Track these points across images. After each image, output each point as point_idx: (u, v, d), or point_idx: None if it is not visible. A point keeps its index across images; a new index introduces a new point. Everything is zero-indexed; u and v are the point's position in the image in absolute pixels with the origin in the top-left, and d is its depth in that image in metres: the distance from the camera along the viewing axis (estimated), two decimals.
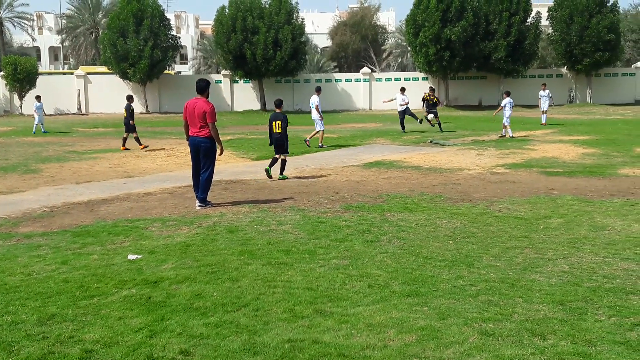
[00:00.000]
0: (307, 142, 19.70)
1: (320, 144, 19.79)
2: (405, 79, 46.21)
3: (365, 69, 47.41)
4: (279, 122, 13.25)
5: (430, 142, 21.03)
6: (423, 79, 44.85)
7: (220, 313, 5.57)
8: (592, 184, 12.28)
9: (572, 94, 44.38)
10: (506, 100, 22.62)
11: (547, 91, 29.08)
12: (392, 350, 4.80)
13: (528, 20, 42.23)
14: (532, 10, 42.51)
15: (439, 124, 25.32)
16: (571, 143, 19.72)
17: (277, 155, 13.61)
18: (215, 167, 10.69)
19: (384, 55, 63.64)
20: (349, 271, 6.79)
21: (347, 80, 46.33)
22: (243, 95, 45.74)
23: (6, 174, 14.92)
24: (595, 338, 4.95)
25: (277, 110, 13.48)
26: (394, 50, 63.45)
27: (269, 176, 13.28)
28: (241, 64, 42.46)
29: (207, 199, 10.58)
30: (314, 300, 5.87)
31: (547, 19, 43.36)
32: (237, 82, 45.80)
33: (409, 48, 46.99)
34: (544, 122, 28.00)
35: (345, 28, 61.97)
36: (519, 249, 7.62)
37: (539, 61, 51.08)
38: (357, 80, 45.86)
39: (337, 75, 48.11)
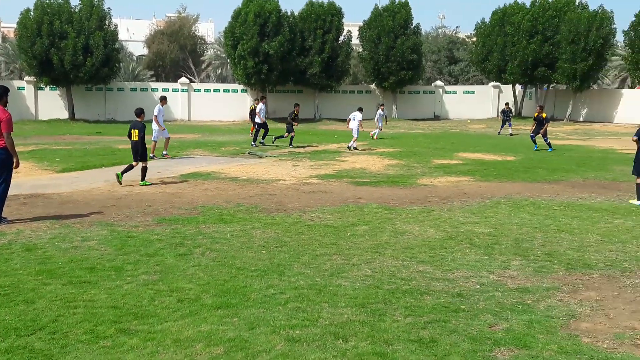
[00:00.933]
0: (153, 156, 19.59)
1: (152, 154, 19.36)
2: (225, 91, 46.24)
3: (183, 79, 46.61)
4: (137, 130, 13.89)
5: (248, 153, 21.23)
6: (242, 91, 45.18)
7: (12, 338, 5.12)
8: (394, 193, 13.19)
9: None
10: (356, 114, 24.16)
11: (384, 111, 30.29)
12: None
13: (340, 39, 44.44)
14: (344, 29, 44.82)
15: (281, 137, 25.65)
16: (378, 155, 21.05)
17: (134, 163, 14.07)
18: (11, 180, 9.81)
19: (203, 66, 63.09)
20: (158, 286, 6.60)
21: (164, 89, 45.14)
22: (49, 103, 42.54)
23: None
24: (392, 337, 5.31)
25: (137, 119, 14.14)
26: (213, 62, 63.15)
27: (119, 182, 13.62)
28: (47, 70, 39.49)
29: (2, 215, 9.67)
30: (119, 319, 5.62)
31: (357, 38, 45.98)
32: (42, 89, 42.51)
33: (228, 60, 47.08)
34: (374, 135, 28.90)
35: (163, 37, 60.45)
36: (327, 256, 7.95)
37: (351, 77, 53.97)
38: (174, 90, 44.90)
39: (154, 85, 46.71)
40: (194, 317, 5.72)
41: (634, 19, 37.33)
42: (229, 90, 46.18)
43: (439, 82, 48.82)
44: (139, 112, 14.27)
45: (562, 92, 45.85)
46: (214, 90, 46.22)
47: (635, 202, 11.74)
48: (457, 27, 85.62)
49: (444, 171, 16.64)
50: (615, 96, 43.34)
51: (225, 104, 44.86)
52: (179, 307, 6.00)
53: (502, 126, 32.60)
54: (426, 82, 53.71)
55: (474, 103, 46.76)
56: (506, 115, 32.13)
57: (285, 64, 41.75)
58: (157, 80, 54.61)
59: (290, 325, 5.54)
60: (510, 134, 30.98)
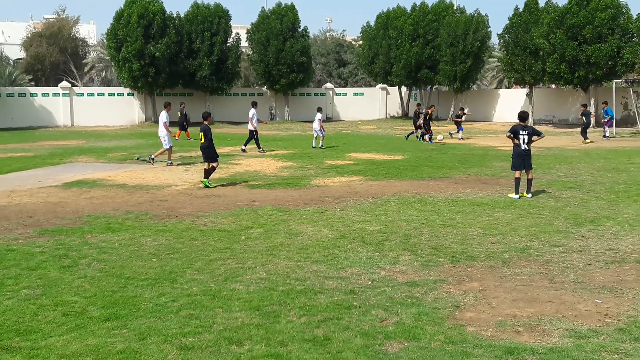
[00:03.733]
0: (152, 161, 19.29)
1: (168, 161, 19.25)
2: (110, 95, 44.57)
3: (65, 83, 44.42)
4: (202, 133, 14.64)
5: (137, 159, 20.57)
6: (129, 94, 43.71)
7: None
8: (289, 194, 13.27)
9: (272, 112, 47.54)
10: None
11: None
12: None
13: (229, 41, 44.10)
14: (232, 32, 44.51)
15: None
16: (271, 157, 21.09)
17: (206, 165, 14.74)
18: None
19: (86, 69, 60.39)
20: (41, 301, 6.27)
21: (44, 94, 42.86)
22: None
23: None
24: (286, 338, 5.34)
25: (205, 122, 14.82)
26: (96, 65, 60.59)
27: (208, 187, 14.27)
28: None
29: None
30: None
31: (246, 41, 45.83)
32: None
33: (112, 63, 45.38)
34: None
35: (41, 39, 57.26)
36: (221, 261, 7.87)
37: (242, 80, 53.71)
38: (55, 94, 42.70)
39: (33, 89, 44.18)
40: (81, 331, 5.48)
41: (508, 22, 39.74)
42: (114, 94, 44.55)
43: (329, 85, 49.65)
44: (206, 116, 15.04)
45: (445, 93, 48.00)
46: (98, 94, 44.45)
47: (513, 195, 12.51)
48: (344, 30, 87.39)
49: (336, 171, 16.94)
50: (493, 96, 45.96)
51: (111, 108, 43.22)
52: (64, 321, 5.72)
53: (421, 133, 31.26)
54: (317, 85, 54.42)
55: (364, 105, 47.97)
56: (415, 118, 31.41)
57: (173, 67, 40.88)
58: (36, 85, 51.66)
59: (182, 333, 5.44)
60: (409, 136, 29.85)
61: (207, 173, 14.61)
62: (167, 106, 20.19)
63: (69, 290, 6.61)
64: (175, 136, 29.88)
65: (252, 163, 19.22)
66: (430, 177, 15.62)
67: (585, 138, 26.25)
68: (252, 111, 23.36)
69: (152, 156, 19.46)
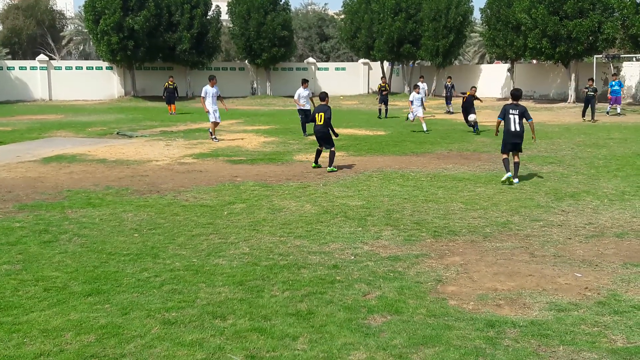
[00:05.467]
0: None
1: (213, 136, 18.56)
2: (88, 68, 43.85)
3: (42, 57, 43.62)
4: (322, 113, 12.97)
5: (117, 133, 20.35)
6: (107, 68, 43.03)
7: None
8: (271, 170, 13.23)
9: (254, 86, 47.17)
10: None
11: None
12: (70, 354, 4.54)
13: (209, 14, 43.48)
14: (212, 4, 43.86)
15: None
16: (254, 132, 20.97)
17: (320, 148, 13.34)
18: None
19: (64, 42, 59.34)
20: (22, 276, 6.22)
21: (21, 68, 42.04)
22: None
23: None
24: (270, 313, 5.35)
25: (322, 103, 13.25)
26: (74, 38, 59.53)
27: (316, 167, 13.28)
28: None
29: None
30: None
31: (227, 14, 45.22)
32: None
33: (90, 36, 44.59)
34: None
35: (18, 12, 56.09)
36: (204, 236, 7.84)
37: (223, 54, 53.14)
38: (32, 68, 41.92)
39: (10, 63, 43.31)
40: (62, 306, 5.45)
41: None
42: (92, 67, 43.82)
43: (311, 59, 49.30)
44: (324, 96, 13.39)
45: (427, 69, 47.93)
46: (77, 68, 43.69)
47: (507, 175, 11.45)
48: (325, 4, 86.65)
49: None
50: (475, 71, 45.99)
51: (90, 82, 42.54)
52: (46, 296, 5.69)
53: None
54: (299, 59, 54.03)
55: (346, 80, 47.74)
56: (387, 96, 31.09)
57: (153, 40, 40.23)
58: (13, 58, 50.67)
59: (165, 308, 5.43)
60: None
61: (330, 159, 12.98)
62: (211, 79, 19.02)
63: (50, 266, 6.56)
64: (171, 111, 29.56)
65: (234, 138, 19.09)
66: (413, 153, 15.65)
67: (592, 118, 24.57)
68: (300, 91, 20.01)
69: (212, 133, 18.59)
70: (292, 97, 22.40)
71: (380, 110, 27.97)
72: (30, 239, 7.61)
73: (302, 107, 19.95)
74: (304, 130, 19.83)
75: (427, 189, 10.86)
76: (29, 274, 6.28)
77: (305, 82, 20.24)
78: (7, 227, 8.15)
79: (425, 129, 20.43)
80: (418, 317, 5.28)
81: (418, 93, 21.78)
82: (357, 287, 6.00)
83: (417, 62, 48.25)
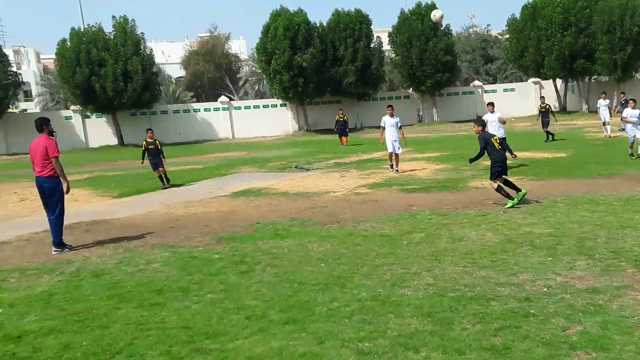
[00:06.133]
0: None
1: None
2: (264, 106, 46.74)
3: (223, 98, 47.39)
4: (496, 137, 12.23)
5: (296, 167, 21.40)
6: (281, 105, 45.61)
7: None
8: (446, 197, 13.09)
9: (420, 114, 47.18)
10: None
11: (607, 100, 27.12)
12: None
13: (371, 46, 44.42)
14: (373, 36, 44.83)
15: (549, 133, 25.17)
16: (424, 160, 20.93)
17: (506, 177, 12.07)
18: (69, 207, 10.19)
19: (241, 83, 63.95)
20: (225, 305, 6.71)
21: (206, 109, 45.99)
22: (97, 131, 43.80)
23: None
24: (464, 346, 5.26)
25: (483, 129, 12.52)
26: (249, 78, 63.95)
27: (520, 201, 11.50)
28: (91, 98, 40.68)
29: (67, 242, 10.01)
30: (191, 338, 5.74)
31: (388, 44, 45.91)
32: (88, 117, 43.83)
33: (263, 75, 47.64)
34: (608, 133, 25.51)
35: (198, 57, 61.62)
36: (386, 266, 7.94)
37: (387, 84, 53.90)
38: (216, 109, 45.66)
39: (196, 105, 47.58)
40: (263, 334, 5.79)
41: None
42: (268, 105, 46.69)
43: (477, 82, 48.34)
44: (484, 122, 13.05)
45: (606, 84, 44.77)
46: (254, 107, 46.78)
47: None
48: (488, 25, 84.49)
49: None
50: None
51: (267, 119, 45.37)
52: (248, 324, 6.08)
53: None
54: (464, 83, 53.22)
55: (516, 101, 46.10)
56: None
57: (320, 76, 41.99)
58: (197, 101, 55.58)
59: (358, 338, 5.56)
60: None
61: (507, 186, 11.85)
62: (388, 108, 18.51)
63: (249, 295, 7.02)
64: (343, 143, 30.63)
65: (405, 167, 19.19)
66: (600, 175, 14.64)
67: None
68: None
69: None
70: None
71: (547, 134, 25.75)
72: (229, 269, 8.21)
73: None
74: None
75: (621, 214, 10.08)
76: (231, 303, 6.77)
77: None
78: (208, 258, 8.87)
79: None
80: (627, 354, 4.90)
81: (634, 108, 18.13)
82: (554, 321, 5.70)
83: (593, 77, 45.29)
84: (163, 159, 17.82)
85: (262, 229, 10.81)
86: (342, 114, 31.85)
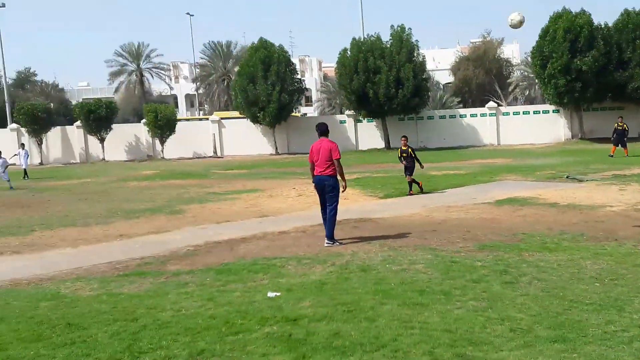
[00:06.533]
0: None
1: None
2: (535, 112, 44.68)
3: (491, 104, 46.42)
4: None
5: (567, 177, 20.06)
6: (554, 111, 43.14)
7: (359, 353, 5.60)
8: None
9: None
10: None
11: None
12: None
13: None
14: None
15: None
16: None
17: None
18: (341, 205, 11.04)
19: (510, 89, 61.98)
20: (488, 314, 6.59)
21: (472, 115, 45.55)
22: (367, 134, 46.29)
23: (153, 214, 16.02)
24: None
25: None
26: (520, 83, 61.65)
27: None
28: (364, 104, 43.11)
29: (337, 237, 10.78)
30: (454, 343, 5.75)
31: None
32: (360, 121, 46.50)
33: (536, 80, 45.46)
34: None
35: (468, 63, 61.24)
36: None
37: None
38: (482, 115, 44.96)
39: (462, 111, 47.41)
40: (530, 349, 5.56)
41: None
42: (539, 111, 44.53)
43: None
44: None
45: None
46: (523, 113, 45.02)
47: None
48: None
49: None
50: None
51: (536, 126, 43.29)
52: (512, 336, 5.89)
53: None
54: None
55: None
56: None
57: (601, 80, 38.68)
58: (464, 106, 55.33)
59: None
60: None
61: None
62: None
63: (513, 307, 6.79)
64: (611, 153, 28.15)
65: None
66: None
67: None
68: None
69: None
70: None
71: None
72: (492, 278, 8.03)
73: None
74: None
75: None
76: (495, 313, 6.62)
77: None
78: (470, 265, 8.79)
79: None
80: None
81: None
82: None
83: None
84: (420, 166, 17.79)
85: (528, 240, 10.36)
86: (621, 122, 28.97)
